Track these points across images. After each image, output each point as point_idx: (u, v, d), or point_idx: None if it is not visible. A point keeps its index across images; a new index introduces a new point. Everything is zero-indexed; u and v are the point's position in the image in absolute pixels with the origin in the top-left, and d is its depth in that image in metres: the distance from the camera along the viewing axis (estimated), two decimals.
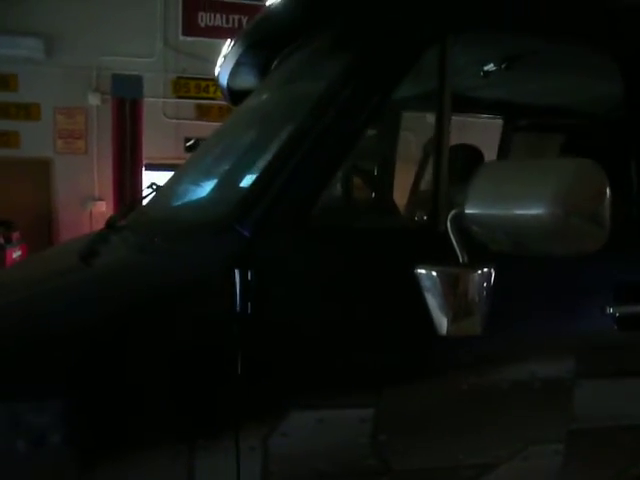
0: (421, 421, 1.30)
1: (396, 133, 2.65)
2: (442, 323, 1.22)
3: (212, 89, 6.38)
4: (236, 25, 6.49)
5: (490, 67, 2.30)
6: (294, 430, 1.19)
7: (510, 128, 3.43)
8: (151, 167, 5.90)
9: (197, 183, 1.70)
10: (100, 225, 5.77)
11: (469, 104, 2.90)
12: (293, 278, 1.21)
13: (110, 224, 1.68)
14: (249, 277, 1.16)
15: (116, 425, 1.14)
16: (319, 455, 1.23)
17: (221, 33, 6.38)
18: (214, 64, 6.35)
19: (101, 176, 6.12)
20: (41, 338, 1.14)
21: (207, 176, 1.75)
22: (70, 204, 6.14)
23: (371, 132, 2.36)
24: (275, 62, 2.00)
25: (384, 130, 2.49)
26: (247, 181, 1.34)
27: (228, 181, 1.61)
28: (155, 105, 6.20)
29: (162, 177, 5.91)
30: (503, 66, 2.24)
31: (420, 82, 1.37)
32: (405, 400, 1.28)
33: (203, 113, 6.49)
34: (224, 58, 2.19)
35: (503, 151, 3.55)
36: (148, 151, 5.78)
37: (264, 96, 1.90)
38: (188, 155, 6.32)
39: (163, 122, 6.33)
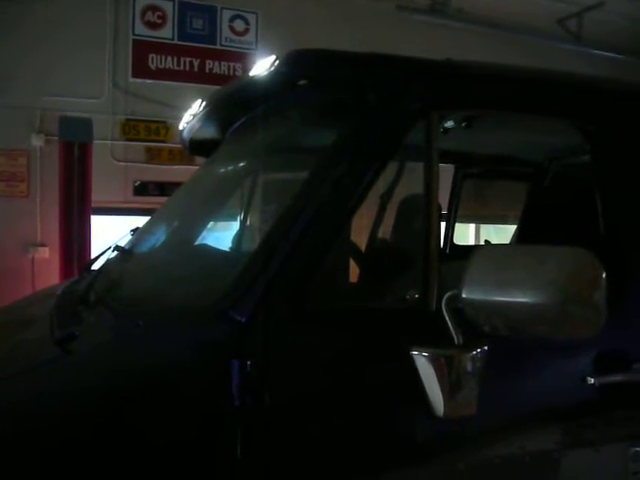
0: None
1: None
2: (438, 404, 1.23)
3: (162, 132, 6.30)
4: (187, 68, 6.46)
5: (450, 124, 2.41)
6: None
7: (461, 175, 3.62)
8: (98, 211, 5.72)
9: (178, 255, 1.65)
10: (42, 272, 5.51)
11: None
12: (292, 367, 1.18)
13: (82, 298, 1.60)
14: (247, 368, 1.12)
15: None
16: None
17: (172, 76, 6.35)
18: (165, 106, 6.34)
19: (44, 221, 5.87)
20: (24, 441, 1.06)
21: (189, 248, 1.70)
22: (10, 249, 5.85)
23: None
24: (240, 120, 2.00)
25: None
26: (240, 262, 1.30)
27: (217, 259, 1.57)
28: (103, 147, 6.04)
29: (110, 222, 5.70)
30: (463, 124, 2.35)
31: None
32: None
33: (153, 156, 6.37)
34: (193, 116, 2.19)
35: (454, 195, 3.71)
36: (95, 194, 5.60)
37: (244, 164, 1.89)
38: (137, 199, 6.18)
39: (111, 165, 6.17)
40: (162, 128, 6.28)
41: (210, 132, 2.20)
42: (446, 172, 3.59)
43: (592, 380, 1.47)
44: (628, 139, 1.74)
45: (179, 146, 2.56)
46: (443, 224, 3.81)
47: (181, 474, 1.10)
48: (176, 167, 6.10)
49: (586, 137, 1.70)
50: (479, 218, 5.65)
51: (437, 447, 1.30)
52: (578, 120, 1.70)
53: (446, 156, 3.29)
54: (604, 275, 1.12)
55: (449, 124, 2.42)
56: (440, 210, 3.06)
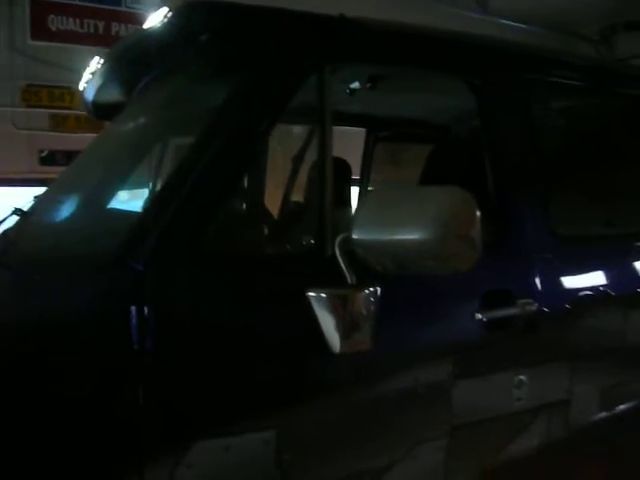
0: (321, 436, 1.37)
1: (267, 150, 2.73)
2: (334, 341, 1.30)
3: (67, 98, 6.00)
4: (91, 30, 6.16)
5: (356, 86, 2.47)
6: (200, 460, 1.20)
7: (372, 138, 3.69)
8: (1, 182, 5.43)
9: (74, 211, 1.63)
10: None
11: (336, 118, 3.09)
12: (189, 311, 1.21)
13: None
14: (146, 313, 1.15)
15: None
16: None
17: (76, 38, 6.03)
18: (70, 71, 6.09)
19: None
20: None
21: (85, 204, 1.68)
22: None
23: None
24: (145, 79, 1.97)
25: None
26: (135, 212, 1.31)
27: (112, 211, 1.56)
28: (2, 115, 5.70)
29: (15, 194, 5.44)
30: (368, 85, 2.41)
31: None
32: (304, 417, 1.34)
33: (58, 124, 6.07)
34: (92, 75, 2.12)
35: (366, 159, 3.80)
36: None
37: (143, 119, 1.87)
38: (43, 169, 5.90)
39: (13, 134, 5.83)
40: (67, 94, 5.98)
41: (113, 94, 2.14)
42: (358, 136, 3.66)
43: (480, 316, 1.60)
44: (512, 95, 1.86)
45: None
46: (356, 189, 3.88)
47: (84, 422, 1.12)
48: (85, 135, 5.85)
49: (473, 92, 1.80)
50: (392, 182, 5.78)
51: (335, 382, 1.38)
52: (465, 75, 1.80)
53: (356, 119, 3.36)
54: (478, 213, 1.22)
55: (354, 85, 2.48)
56: (350, 172, 3.14)
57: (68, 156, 5.89)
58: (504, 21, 8.05)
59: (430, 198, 1.22)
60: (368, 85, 2.39)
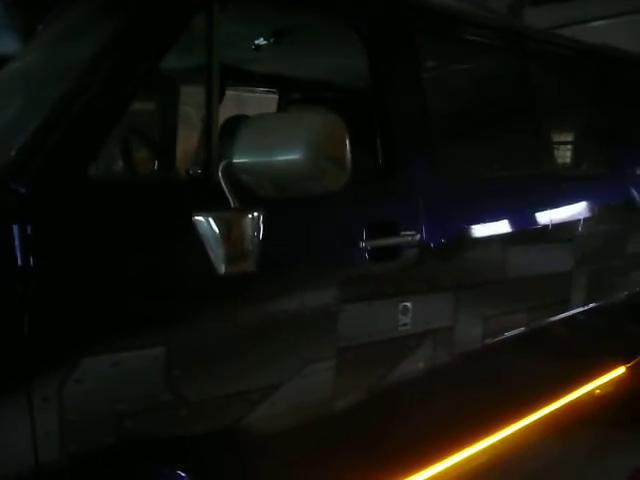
0: (210, 354, 1.44)
1: (176, 103, 2.74)
2: (220, 263, 1.37)
3: None
4: None
5: (260, 41, 2.50)
6: (89, 376, 1.24)
7: (284, 101, 3.71)
8: None
9: None
10: None
11: (244, 77, 3.11)
12: (74, 231, 1.25)
13: None
14: (28, 232, 1.17)
15: None
16: (117, 397, 1.30)
17: None
18: None
19: None
20: None
21: None
22: None
23: (153, 102, 2.43)
24: (40, 26, 1.94)
25: (164, 99, 2.57)
26: (19, 139, 1.32)
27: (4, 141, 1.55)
28: None
29: None
30: (272, 40, 2.46)
31: (197, 56, 1.49)
32: (192, 336, 1.41)
33: None
34: None
35: None
36: None
37: (34, 57, 1.85)
38: None
39: None
40: None
41: (7, 45, 2.08)
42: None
43: (364, 244, 1.71)
44: (399, 42, 1.97)
45: None
46: None
47: None
48: None
49: (362, 41, 1.89)
50: None
51: (222, 303, 1.45)
52: (355, 22, 1.88)
53: (267, 81, 3.39)
54: (347, 135, 1.32)
55: (259, 41, 2.51)
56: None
57: None
58: None
59: (303, 122, 1.31)
60: (272, 40, 2.43)
